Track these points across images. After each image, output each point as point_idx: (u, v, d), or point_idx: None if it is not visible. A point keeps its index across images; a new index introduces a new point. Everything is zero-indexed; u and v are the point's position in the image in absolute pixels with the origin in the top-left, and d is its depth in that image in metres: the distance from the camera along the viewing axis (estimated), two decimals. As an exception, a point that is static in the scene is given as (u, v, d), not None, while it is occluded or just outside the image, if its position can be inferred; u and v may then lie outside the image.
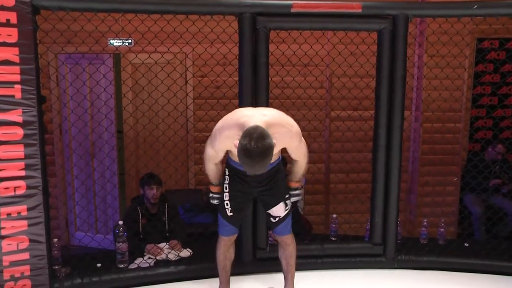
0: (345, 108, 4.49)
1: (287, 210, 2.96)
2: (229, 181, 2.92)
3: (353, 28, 3.45)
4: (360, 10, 3.24)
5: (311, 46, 3.66)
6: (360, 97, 4.31)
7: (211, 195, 2.99)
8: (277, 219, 2.97)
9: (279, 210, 2.94)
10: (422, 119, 5.12)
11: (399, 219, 3.66)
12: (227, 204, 2.94)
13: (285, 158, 4.65)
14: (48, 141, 4.71)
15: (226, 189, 2.93)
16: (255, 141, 2.38)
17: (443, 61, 4.16)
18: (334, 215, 3.91)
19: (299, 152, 2.82)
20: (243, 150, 2.40)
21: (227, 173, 2.93)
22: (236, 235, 3.07)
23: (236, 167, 2.86)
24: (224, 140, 2.67)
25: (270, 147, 2.42)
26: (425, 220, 3.91)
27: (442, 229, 3.85)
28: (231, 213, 2.95)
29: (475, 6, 3.29)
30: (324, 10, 3.25)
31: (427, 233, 3.87)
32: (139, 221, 3.90)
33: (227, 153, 2.88)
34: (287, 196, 2.95)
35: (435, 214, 4.83)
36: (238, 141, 2.44)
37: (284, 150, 2.80)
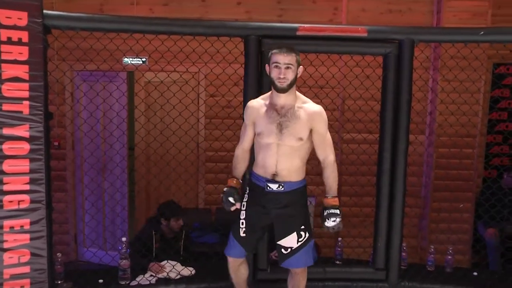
0: (350, 131, 4.52)
1: (301, 242, 2.89)
2: (248, 199, 2.92)
3: (359, 52, 3.50)
4: (365, 34, 3.28)
5: (316, 69, 3.71)
6: (365, 120, 4.34)
7: (223, 190, 2.89)
8: (288, 250, 2.90)
9: (291, 241, 2.89)
10: (435, 144, 5.10)
11: (404, 245, 3.64)
12: (242, 223, 2.91)
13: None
14: (60, 156, 4.83)
15: (243, 207, 2.92)
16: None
17: (449, 86, 4.17)
18: (340, 238, 3.90)
19: (327, 143, 2.84)
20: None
21: (247, 191, 2.94)
22: (241, 259, 3.04)
23: (257, 183, 2.87)
24: (250, 108, 2.88)
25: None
26: (432, 246, 3.86)
27: (449, 257, 3.80)
28: (244, 234, 2.91)
29: (482, 32, 3.32)
30: (329, 33, 3.30)
31: (434, 260, 3.82)
32: (152, 246, 3.93)
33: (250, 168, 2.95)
34: (303, 227, 2.90)
35: (449, 241, 4.78)
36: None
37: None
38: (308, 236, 2.92)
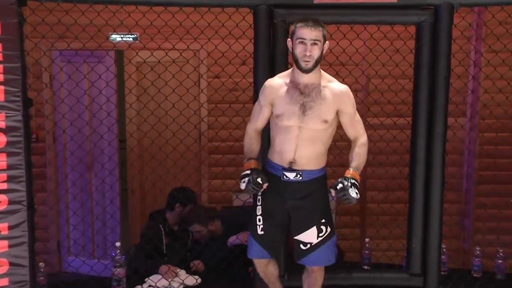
0: (377, 115, 4.49)
1: (322, 237, 2.95)
2: (262, 193, 2.97)
3: (387, 22, 3.48)
4: (395, 1, 3.27)
5: (338, 43, 3.68)
6: (395, 101, 4.31)
7: (243, 174, 2.88)
8: (308, 246, 2.96)
9: (311, 235, 2.95)
10: (477, 128, 5.06)
11: (444, 246, 3.64)
12: (259, 220, 2.98)
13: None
14: (38, 151, 4.83)
15: (258, 201, 2.99)
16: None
17: (497, 58, 4.11)
18: (367, 240, 3.91)
19: (356, 122, 2.93)
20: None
21: None
22: (266, 259, 3.09)
23: (273, 173, 2.93)
24: (269, 88, 2.92)
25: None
26: (477, 248, 3.84)
27: (500, 261, 3.76)
28: (262, 232, 2.98)
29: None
30: (352, 1, 3.28)
31: (481, 265, 3.80)
32: (162, 239, 4.01)
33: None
34: (323, 221, 2.95)
35: (498, 242, 4.72)
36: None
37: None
38: (330, 231, 2.98)
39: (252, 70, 3.36)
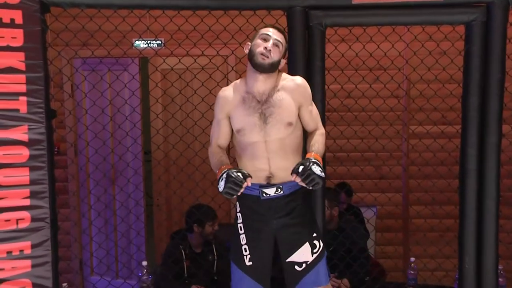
0: (422, 123, 4.44)
1: (317, 253, 2.88)
2: (242, 219, 2.89)
3: (433, 22, 3.45)
4: (441, -2, 3.24)
5: (378, 46, 3.66)
6: (442, 108, 4.26)
7: (226, 174, 2.64)
8: (303, 265, 2.87)
9: (305, 253, 2.86)
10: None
11: (501, 267, 3.55)
12: (245, 250, 2.88)
13: (350, 186, 4.68)
14: (60, 164, 4.89)
15: (241, 230, 2.89)
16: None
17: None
18: (412, 259, 3.85)
19: (316, 115, 2.92)
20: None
21: (238, 208, 2.92)
22: None
23: (248, 193, 2.81)
24: (223, 99, 2.86)
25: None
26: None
27: None
28: (250, 262, 2.87)
29: None
30: (394, 0, 3.26)
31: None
32: (182, 263, 3.99)
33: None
34: (314, 235, 2.89)
35: None
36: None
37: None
38: (322, 246, 2.91)
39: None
